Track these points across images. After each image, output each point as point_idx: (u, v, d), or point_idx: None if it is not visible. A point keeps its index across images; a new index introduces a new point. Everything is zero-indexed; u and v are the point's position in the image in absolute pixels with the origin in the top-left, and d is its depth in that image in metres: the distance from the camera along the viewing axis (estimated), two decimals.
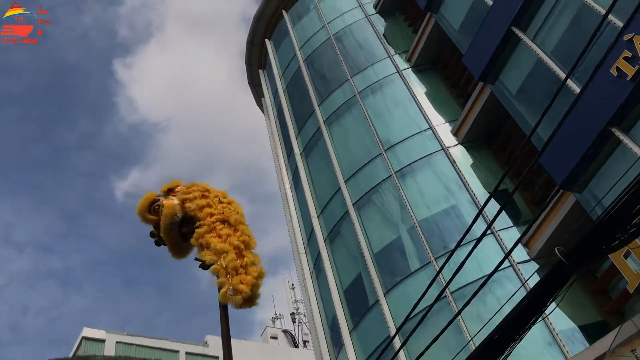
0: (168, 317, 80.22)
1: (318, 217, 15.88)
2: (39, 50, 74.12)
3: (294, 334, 34.86)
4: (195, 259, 6.20)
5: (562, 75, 10.75)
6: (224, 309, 5.84)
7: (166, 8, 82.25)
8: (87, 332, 26.81)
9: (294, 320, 34.75)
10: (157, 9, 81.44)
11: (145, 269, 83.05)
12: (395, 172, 14.14)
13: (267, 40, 22.72)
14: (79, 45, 78.40)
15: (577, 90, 9.49)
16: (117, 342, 27.03)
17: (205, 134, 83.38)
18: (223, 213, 6.16)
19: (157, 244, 6.54)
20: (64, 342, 61.31)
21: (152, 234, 6.44)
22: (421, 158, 14.15)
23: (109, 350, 26.35)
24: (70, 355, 27.31)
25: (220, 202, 6.35)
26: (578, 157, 9.71)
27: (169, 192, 6.58)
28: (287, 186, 18.75)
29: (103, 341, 26.65)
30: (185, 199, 6.35)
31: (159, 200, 6.46)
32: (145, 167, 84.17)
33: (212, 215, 6.15)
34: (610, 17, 9.82)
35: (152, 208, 6.42)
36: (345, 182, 15.25)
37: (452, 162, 13.51)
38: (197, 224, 6.15)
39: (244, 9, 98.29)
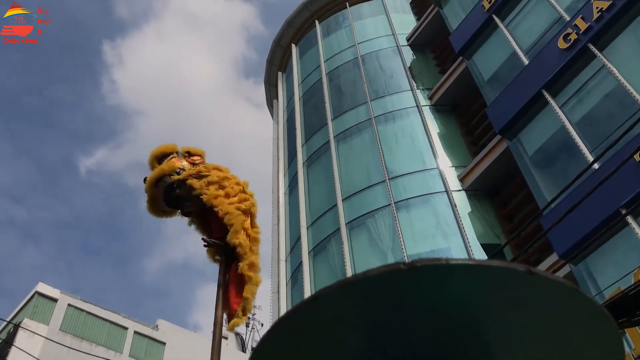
0: (119, 294, 79.12)
1: (308, 228, 15.82)
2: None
3: (244, 339, 34.52)
4: (203, 239, 6.10)
5: (583, 148, 10.92)
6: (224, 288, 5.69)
7: None
8: (42, 287, 26.21)
9: (247, 325, 34.40)
10: None
11: (108, 242, 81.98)
12: (395, 202, 14.18)
13: (293, 45, 22.80)
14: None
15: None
16: (69, 305, 26.46)
17: (183, 129, 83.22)
18: (243, 203, 6.03)
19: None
20: (11, 293, 60.03)
21: (144, 180, 6.37)
22: (423, 195, 14.22)
23: (60, 311, 25.84)
24: (19, 308, 26.74)
25: (243, 191, 6.24)
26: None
27: (188, 155, 6.50)
28: (282, 191, 18.68)
29: (55, 300, 26.08)
30: (197, 174, 6.22)
31: (173, 155, 6.39)
32: (116, 146, 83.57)
33: (230, 201, 6.02)
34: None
35: (162, 159, 6.36)
36: (342, 200, 15.24)
37: (453, 206, 13.58)
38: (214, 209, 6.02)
39: (246, 19, 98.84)
